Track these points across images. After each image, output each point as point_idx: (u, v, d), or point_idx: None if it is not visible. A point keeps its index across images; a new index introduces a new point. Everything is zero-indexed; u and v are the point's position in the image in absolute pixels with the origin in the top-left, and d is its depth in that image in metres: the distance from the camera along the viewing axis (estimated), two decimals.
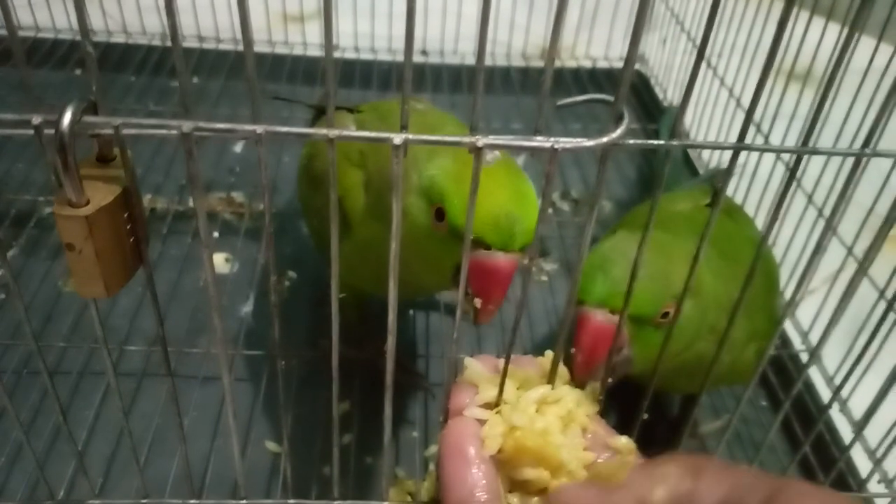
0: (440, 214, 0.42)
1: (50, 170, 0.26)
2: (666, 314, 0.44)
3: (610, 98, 0.29)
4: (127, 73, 1.07)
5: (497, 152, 0.42)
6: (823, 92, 0.29)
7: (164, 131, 0.26)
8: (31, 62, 1.04)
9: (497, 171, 0.42)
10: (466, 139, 0.27)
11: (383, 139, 0.26)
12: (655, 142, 0.29)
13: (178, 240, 0.81)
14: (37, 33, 1.09)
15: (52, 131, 0.25)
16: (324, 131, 0.26)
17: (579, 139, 0.27)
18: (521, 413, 0.31)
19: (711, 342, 0.46)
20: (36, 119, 0.25)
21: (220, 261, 0.81)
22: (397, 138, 0.26)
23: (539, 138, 0.27)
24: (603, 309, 0.42)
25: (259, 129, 0.26)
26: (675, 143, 0.28)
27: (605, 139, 0.27)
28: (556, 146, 0.27)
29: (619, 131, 0.27)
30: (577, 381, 0.35)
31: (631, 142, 0.28)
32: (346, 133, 0.26)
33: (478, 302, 0.42)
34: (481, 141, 0.26)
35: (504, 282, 0.42)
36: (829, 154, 0.29)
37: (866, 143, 0.30)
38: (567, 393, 0.33)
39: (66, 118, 0.25)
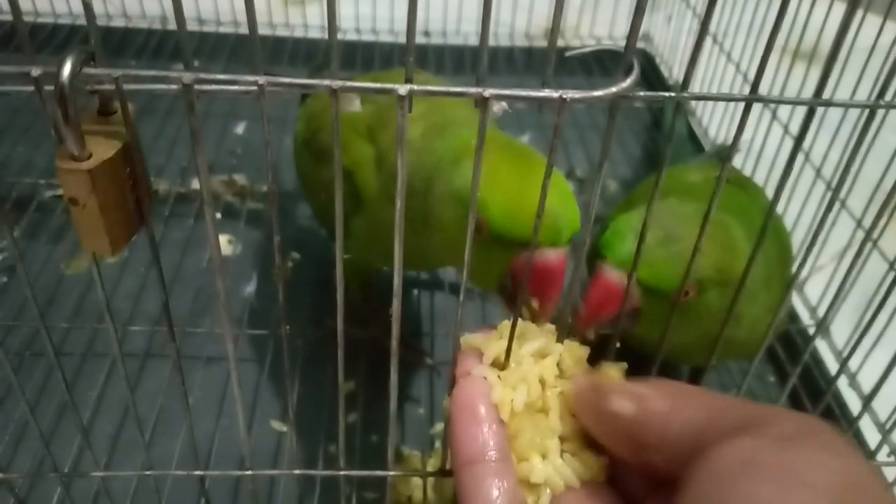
0: (480, 225, 0.40)
1: (50, 124, 0.25)
2: (685, 293, 0.43)
3: (619, 48, 0.28)
4: (126, 57, 1.07)
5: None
6: (835, 43, 0.28)
7: (163, 86, 0.26)
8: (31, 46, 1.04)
9: (532, 171, 0.41)
10: (472, 90, 0.26)
11: (388, 90, 0.26)
12: (665, 94, 0.28)
13: (181, 222, 0.81)
14: (36, 18, 1.09)
15: (51, 87, 0.25)
16: (326, 82, 0.26)
17: (588, 91, 0.27)
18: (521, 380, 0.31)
19: (733, 325, 0.46)
20: (35, 71, 0.25)
21: (223, 242, 0.81)
22: (402, 89, 0.25)
23: (547, 90, 0.26)
24: (622, 271, 0.42)
25: (260, 79, 0.25)
26: (685, 94, 0.28)
27: (614, 89, 0.26)
28: (564, 97, 0.26)
29: (628, 81, 0.26)
30: (577, 333, 0.35)
31: (641, 94, 0.28)
32: (349, 84, 0.26)
33: (534, 302, 0.40)
34: (488, 91, 0.26)
35: (558, 278, 0.40)
36: (844, 106, 0.29)
37: (881, 95, 0.29)
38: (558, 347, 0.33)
39: (66, 69, 0.24)
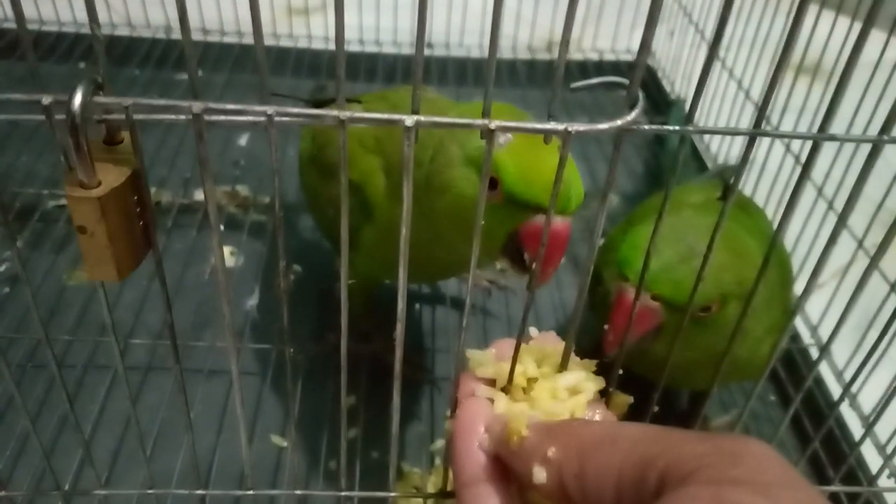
0: (493, 184, 0.42)
1: (60, 152, 0.25)
2: (707, 308, 0.43)
3: (625, 81, 0.29)
4: (131, 66, 1.07)
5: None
6: (840, 79, 0.28)
7: (173, 116, 0.26)
8: (36, 54, 1.05)
9: (546, 145, 0.43)
10: (478, 122, 0.26)
11: (394, 121, 0.26)
12: (670, 127, 0.28)
13: (183, 233, 0.81)
14: (41, 26, 1.09)
15: (62, 115, 0.25)
16: (334, 113, 0.26)
17: (593, 123, 0.27)
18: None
19: (738, 342, 0.46)
20: (46, 99, 0.25)
21: (225, 254, 0.81)
22: (409, 120, 0.26)
23: (552, 122, 0.27)
24: (644, 290, 0.41)
25: (269, 110, 0.25)
26: (689, 128, 0.28)
27: (619, 122, 0.26)
28: (569, 129, 0.26)
29: (633, 115, 0.27)
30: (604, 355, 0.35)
31: (645, 127, 0.28)
32: (357, 115, 0.26)
33: (535, 266, 0.42)
34: (493, 123, 0.26)
35: (564, 244, 0.42)
36: (846, 140, 0.29)
37: (883, 130, 0.29)
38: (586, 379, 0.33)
39: (77, 98, 0.24)
